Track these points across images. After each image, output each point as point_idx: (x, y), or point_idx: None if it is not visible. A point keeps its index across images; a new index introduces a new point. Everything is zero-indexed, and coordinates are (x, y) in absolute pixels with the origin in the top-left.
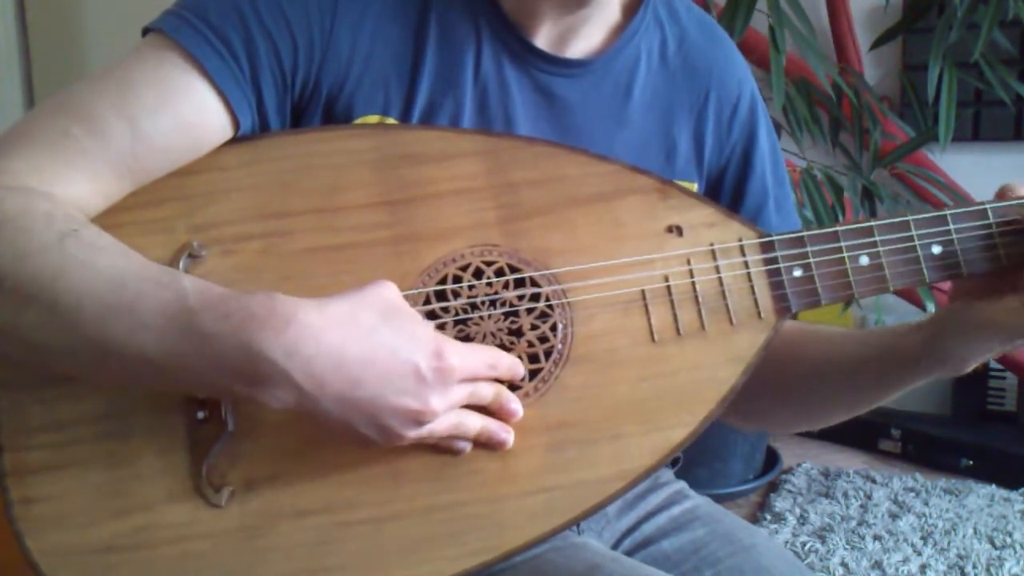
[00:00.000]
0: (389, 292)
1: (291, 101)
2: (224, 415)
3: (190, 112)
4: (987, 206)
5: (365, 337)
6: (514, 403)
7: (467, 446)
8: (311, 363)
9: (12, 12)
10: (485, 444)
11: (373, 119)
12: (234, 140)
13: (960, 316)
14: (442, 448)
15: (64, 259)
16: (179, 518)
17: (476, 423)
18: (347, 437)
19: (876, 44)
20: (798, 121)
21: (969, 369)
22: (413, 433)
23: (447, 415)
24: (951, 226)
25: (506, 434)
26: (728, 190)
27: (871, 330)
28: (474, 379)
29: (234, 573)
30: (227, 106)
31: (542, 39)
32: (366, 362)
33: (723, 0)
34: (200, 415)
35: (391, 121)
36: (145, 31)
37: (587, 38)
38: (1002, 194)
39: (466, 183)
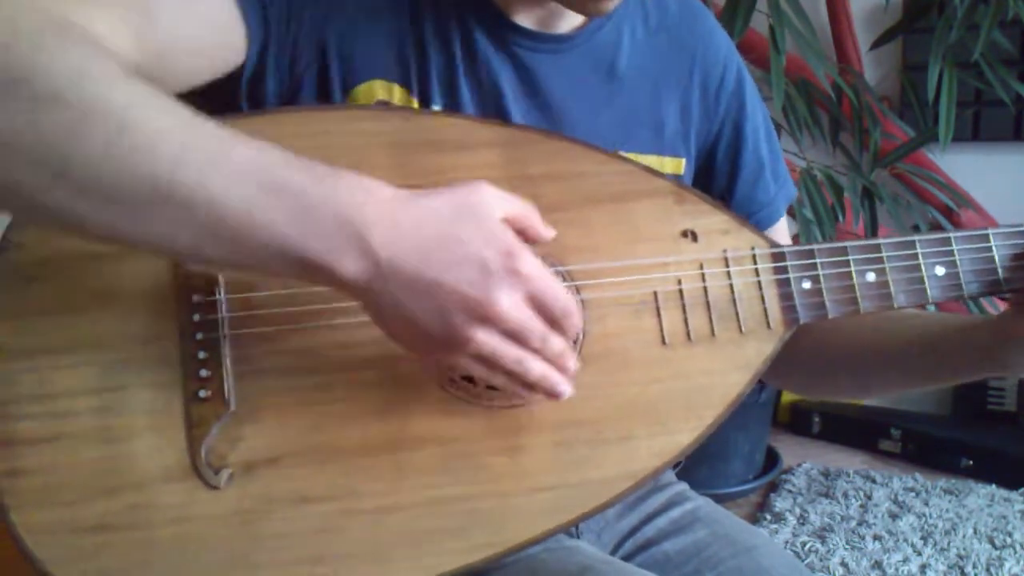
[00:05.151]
0: (481, 193)
1: (290, 56)
2: (226, 394)
3: (210, 8)
4: (989, 231)
5: (444, 223)
6: (571, 359)
7: (525, 394)
8: (392, 233)
9: None
10: (543, 391)
11: (379, 84)
12: (249, 113)
13: (1011, 329)
14: (500, 397)
15: (133, 91)
16: (175, 499)
17: (537, 366)
18: (410, 334)
19: (876, 44)
20: (798, 121)
21: None
22: (480, 335)
23: (510, 320)
24: (954, 247)
25: (566, 385)
26: (723, 163)
27: (944, 315)
28: (541, 300)
29: (231, 558)
30: (244, 18)
31: (526, 21)
32: (439, 245)
33: (723, 0)
34: (202, 393)
35: (397, 90)
36: None
37: (571, 18)
38: None
39: (484, 173)
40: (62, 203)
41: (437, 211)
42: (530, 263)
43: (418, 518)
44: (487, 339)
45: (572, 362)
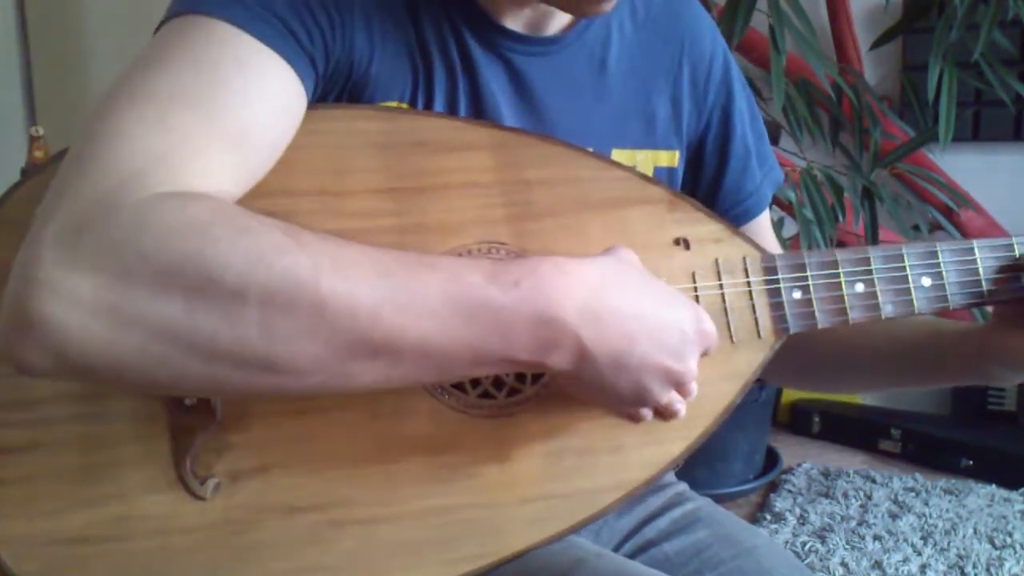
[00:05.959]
0: (636, 257)
1: (325, 76)
2: (212, 402)
3: (276, 88)
4: (974, 243)
5: (637, 296)
6: (695, 386)
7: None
8: (597, 320)
9: (12, 12)
10: (667, 416)
11: (393, 106)
12: None
13: (996, 340)
14: (633, 415)
15: (312, 253)
16: (159, 510)
17: (675, 397)
18: (602, 400)
19: (876, 44)
20: (798, 121)
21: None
22: (666, 398)
23: (694, 380)
24: (940, 259)
25: (683, 405)
26: (712, 153)
27: (934, 320)
28: (710, 350)
29: (218, 570)
30: (299, 79)
31: (515, 24)
32: (640, 319)
33: (723, 0)
34: (187, 401)
35: (406, 108)
36: (169, 17)
37: (560, 19)
38: None
39: (477, 176)
40: (268, 385)
41: (628, 283)
42: (709, 319)
43: (408, 528)
44: (670, 397)
45: (695, 388)
